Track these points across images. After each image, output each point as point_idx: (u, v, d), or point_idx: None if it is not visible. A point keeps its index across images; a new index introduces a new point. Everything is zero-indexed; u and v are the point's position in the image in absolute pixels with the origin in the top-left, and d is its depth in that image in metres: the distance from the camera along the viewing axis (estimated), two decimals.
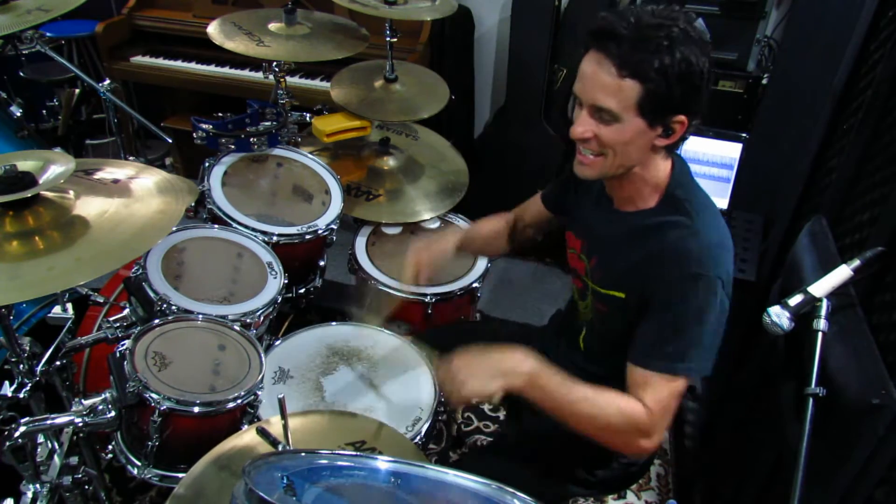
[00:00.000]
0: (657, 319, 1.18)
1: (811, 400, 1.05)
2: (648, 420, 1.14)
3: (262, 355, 1.43)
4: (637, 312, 1.23)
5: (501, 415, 2.27)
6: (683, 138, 1.20)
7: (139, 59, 3.10)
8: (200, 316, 1.47)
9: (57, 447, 1.43)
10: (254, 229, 1.73)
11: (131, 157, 2.23)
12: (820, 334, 1.10)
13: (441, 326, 1.90)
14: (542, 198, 1.59)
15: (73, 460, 1.43)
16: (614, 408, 1.16)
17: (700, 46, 1.09)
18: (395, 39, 2.11)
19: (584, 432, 1.17)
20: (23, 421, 1.25)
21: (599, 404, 1.16)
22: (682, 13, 1.11)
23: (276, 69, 2.09)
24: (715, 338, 1.16)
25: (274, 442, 1.08)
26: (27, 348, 1.33)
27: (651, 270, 1.19)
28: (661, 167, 1.23)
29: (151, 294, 1.48)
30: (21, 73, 2.99)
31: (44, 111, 3.14)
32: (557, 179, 1.53)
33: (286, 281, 1.66)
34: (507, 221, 1.66)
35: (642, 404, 1.15)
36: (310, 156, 2.00)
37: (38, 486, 1.34)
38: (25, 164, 1.15)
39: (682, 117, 1.13)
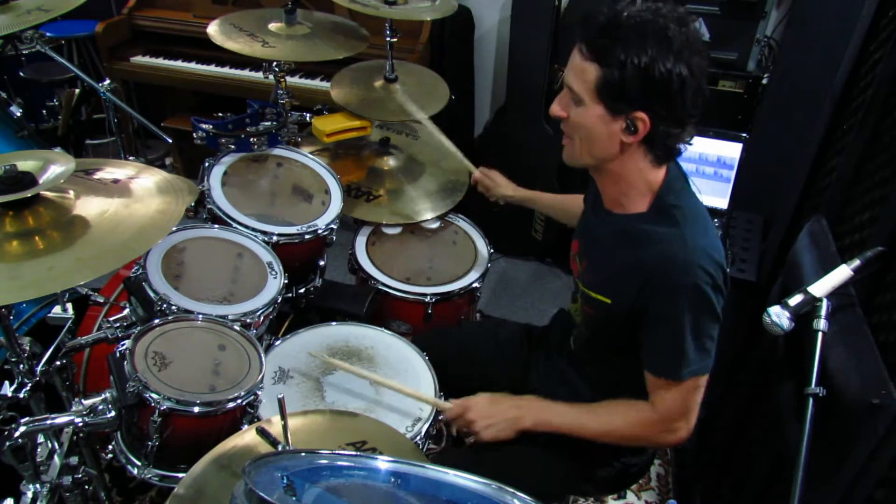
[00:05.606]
0: (655, 332, 1.23)
1: (811, 400, 1.05)
2: (659, 419, 1.25)
3: (262, 355, 1.43)
4: (626, 321, 1.25)
5: None
6: (670, 147, 1.19)
7: (139, 59, 3.10)
8: (200, 316, 1.47)
9: (57, 447, 1.43)
10: (254, 229, 1.72)
11: (131, 157, 2.23)
12: (820, 334, 1.10)
13: (441, 327, 1.90)
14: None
15: (73, 460, 1.43)
16: (621, 419, 1.29)
17: (677, 52, 1.07)
18: (395, 39, 2.11)
19: (609, 443, 1.31)
20: (23, 421, 1.25)
21: (608, 420, 1.30)
22: (676, 17, 1.10)
23: (276, 69, 2.09)
24: (713, 336, 1.21)
25: (274, 442, 1.08)
26: (27, 348, 1.33)
27: (639, 282, 1.20)
28: (650, 172, 1.22)
29: (151, 294, 1.48)
30: (21, 73, 2.99)
31: (44, 111, 3.14)
32: None
33: (286, 281, 1.66)
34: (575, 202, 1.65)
35: (651, 407, 1.25)
36: (310, 156, 2.00)
37: (38, 486, 1.34)
38: (25, 164, 1.15)
39: (642, 114, 1.12)
